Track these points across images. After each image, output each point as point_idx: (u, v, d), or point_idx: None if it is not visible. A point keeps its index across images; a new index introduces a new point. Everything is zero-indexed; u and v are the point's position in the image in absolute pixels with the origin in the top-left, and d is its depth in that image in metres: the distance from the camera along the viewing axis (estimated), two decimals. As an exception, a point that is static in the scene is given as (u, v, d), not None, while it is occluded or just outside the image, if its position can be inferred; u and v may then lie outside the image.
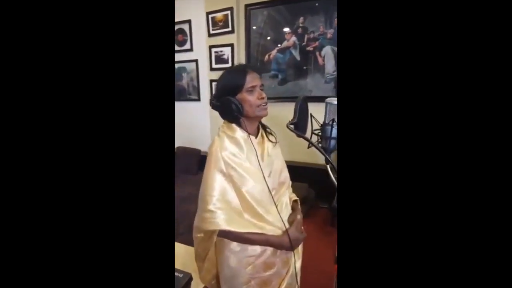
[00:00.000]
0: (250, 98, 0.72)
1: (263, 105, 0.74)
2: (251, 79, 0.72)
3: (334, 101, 0.76)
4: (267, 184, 0.72)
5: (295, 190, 1.83)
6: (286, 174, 0.88)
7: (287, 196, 0.86)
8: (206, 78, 2.39)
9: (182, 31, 2.46)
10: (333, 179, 0.74)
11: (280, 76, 2.13)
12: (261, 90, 0.75)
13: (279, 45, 2.08)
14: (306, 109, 0.79)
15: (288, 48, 2.06)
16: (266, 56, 2.14)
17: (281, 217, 0.74)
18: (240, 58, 2.22)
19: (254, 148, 0.73)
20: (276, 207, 0.74)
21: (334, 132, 0.77)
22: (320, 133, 0.78)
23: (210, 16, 2.21)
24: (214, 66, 2.30)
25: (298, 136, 0.70)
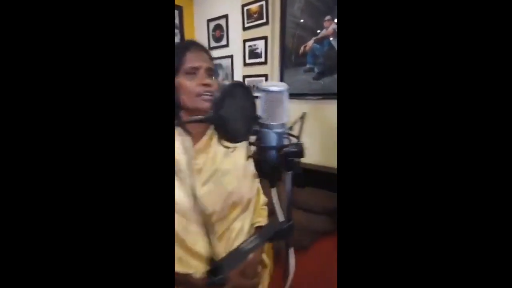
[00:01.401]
0: (188, 84, 0.54)
1: (206, 95, 0.55)
2: (193, 58, 0.55)
3: (272, 87, 0.43)
4: (198, 204, 0.53)
5: (321, 200, 1.59)
6: (244, 192, 0.64)
7: (245, 221, 0.63)
8: (240, 75, 2.31)
9: (219, 26, 2.43)
10: (278, 214, 0.49)
11: (316, 70, 1.88)
12: (210, 75, 0.56)
13: (318, 34, 1.83)
14: (243, 102, 0.46)
15: (326, 37, 1.80)
16: (302, 48, 1.92)
17: (213, 252, 0.53)
18: (274, 51, 2.05)
19: (184, 154, 0.55)
20: (209, 237, 0.54)
21: (272, 138, 0.45)
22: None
23: (245, 8, 2.11)
24: (247, 61, 2.20)
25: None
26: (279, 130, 0.46)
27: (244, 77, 2.25)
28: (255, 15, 2.07)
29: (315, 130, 1.93)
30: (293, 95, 2.00)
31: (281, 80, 2.05)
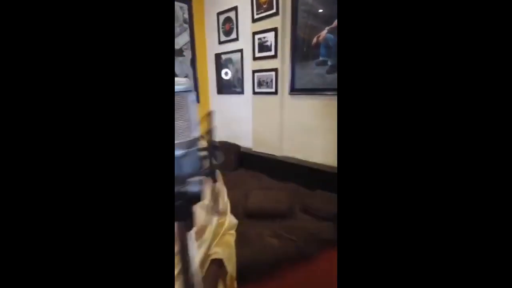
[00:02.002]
0: None
1: None
2: None
3: (178, 84, 0.31)
4: None
5: (331, 204, 1.46)
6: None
7: (197, 252, 0.50)
8: (250, 69, 2.20)
9: (229, 19, 2.33)
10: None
11: (329, 63, 1.73)
12: None
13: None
14: None
15: (341, 26, 1.64)
16: (314, 39, 1.77)
17: None
18: (285, 43, 1.93)
19: None
20: None
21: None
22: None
23: (254, -2, 2.00)
24: (257, 55, 2.09)
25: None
26: (178, 153, 0.31)
27: (254, 72, 2.14)
28: (264, 6, 1.95)
29: (328, 128, 1.78)
30: (304, 91, 1.88)
31: (292, 74, 1.92)
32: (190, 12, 2.43)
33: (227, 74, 2.40)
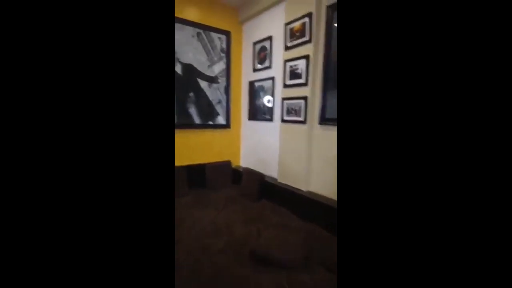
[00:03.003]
0: None
1: None
2: None
3: None
4: None
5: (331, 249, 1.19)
6: None
7: None
8: (280, 96, 2.13)
9: (264, 48, 2.35)
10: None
11: (364, 91, 1.54)
12: None
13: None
14: None
15: (379, 52, 1.47)
16: (348, 66, 1.62)
17: None
18: (317, 70, 1.81)
19: None
20: None
21: None
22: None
23: (288, 27, 1.97)
24: (287, 82, 2.01)
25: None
26: None
27: (283, 99, 2.06)
28: (297, 34, 1.90)
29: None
30: (336, 121, 1.70)
31: (323, 102, 1.77)
32: (228, 42, 2.54)
33: (269, 101, 2.36)
